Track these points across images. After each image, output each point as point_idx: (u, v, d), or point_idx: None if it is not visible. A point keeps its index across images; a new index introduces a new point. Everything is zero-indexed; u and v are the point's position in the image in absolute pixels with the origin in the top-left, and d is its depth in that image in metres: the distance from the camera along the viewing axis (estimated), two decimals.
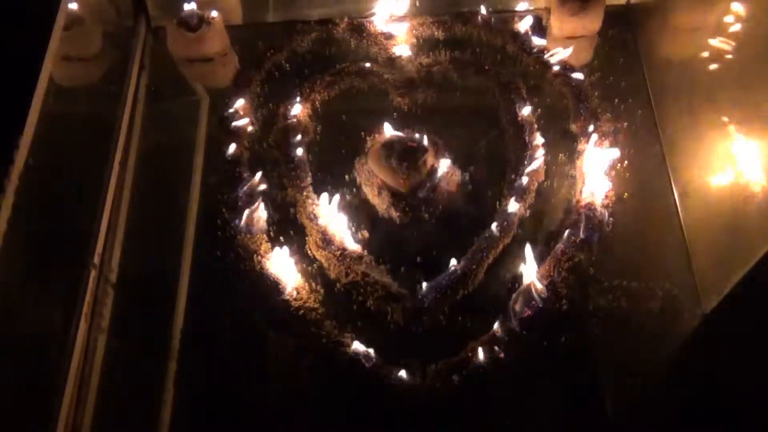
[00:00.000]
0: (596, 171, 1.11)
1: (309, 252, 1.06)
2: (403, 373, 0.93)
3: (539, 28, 1.31)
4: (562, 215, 1.09)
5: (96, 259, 1.03)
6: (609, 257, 1.04)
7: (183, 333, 1.01)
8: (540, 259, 1.02)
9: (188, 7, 1.27)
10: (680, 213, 1.10)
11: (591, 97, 1.20)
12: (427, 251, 1.05)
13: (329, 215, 1.08)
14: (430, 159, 1.11)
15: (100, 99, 1.23)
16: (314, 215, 1.08)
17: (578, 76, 1.23)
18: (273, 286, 1.00)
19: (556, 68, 1.24)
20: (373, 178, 1.11)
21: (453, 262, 1.02)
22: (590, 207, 1.07)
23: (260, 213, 1.08)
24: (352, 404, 0.94)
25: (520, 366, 0.95)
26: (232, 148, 1.15)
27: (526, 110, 1.18)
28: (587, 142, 1.14)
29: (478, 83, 1.25)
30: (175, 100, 1.30)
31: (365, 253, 1.04)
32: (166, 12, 1.35)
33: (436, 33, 1.32)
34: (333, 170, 1.15)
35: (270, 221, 1.08)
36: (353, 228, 1.07)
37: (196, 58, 1.29)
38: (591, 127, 1.16)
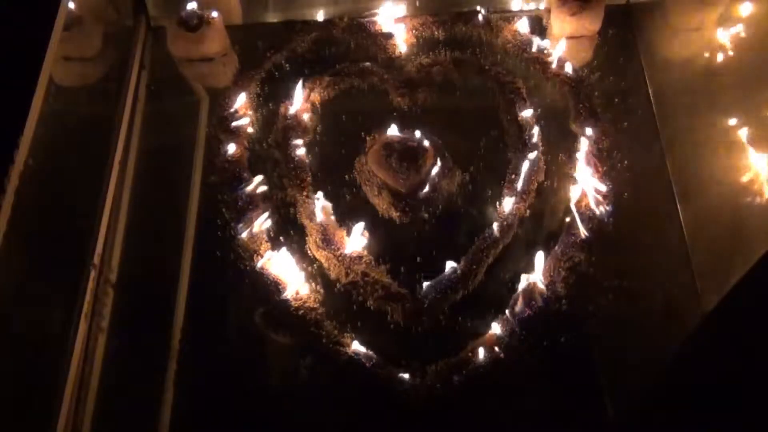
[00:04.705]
0: (596, 171, 1.11)
1: (309, 252, 1.06)
2: (403, 373, 0.93)
3: (539, 28, 1.32)
4: (562, 215, 1.09)
5: (96, 259, 1.03)
6: (609, 257, 1.04)
7: (183, 333, 1.01)
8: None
9: (188, 7, 1.27)
10: (680, 213, 1.09)
11: (591, 97, 1.20)
12: (427, 251, 1.05)
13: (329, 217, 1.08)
14: (430, 159, 1.11)
15: (100, 99, 1.23)
16: (314, 215, 1.08)
17: (578, 75, 1.23)
18: (273, 286, 1.00)
19: (555, 68, 1.24)
20: (373, 178, 1.11)
21: (453, 262, 1.02)
22: (590, 207, 1.07)
23: (262, 215, 1.08)
24: (352, 404, 0.94)
25: (521, 366, 0.95)
26: (232, 148, 1.16)
27: (526, 110, 1.18)
28: (587, 141, 1.14)
29: (478, 83, 1.25)
30: (175, 100, 1.30)
31: (365, 253, 1.04)
32: (166, 12, 1.35)
33: (436, 33, 1.32)
34: (333, 170, 1.15)
35: (270, 223, 1.08)
36: (353, 228, 1.07)
37: (196, 58, 1.29)
38: (591, 127, 1.16)
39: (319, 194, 1.10)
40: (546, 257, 1.02)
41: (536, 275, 1.00)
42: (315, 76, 1.25)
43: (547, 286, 0.99)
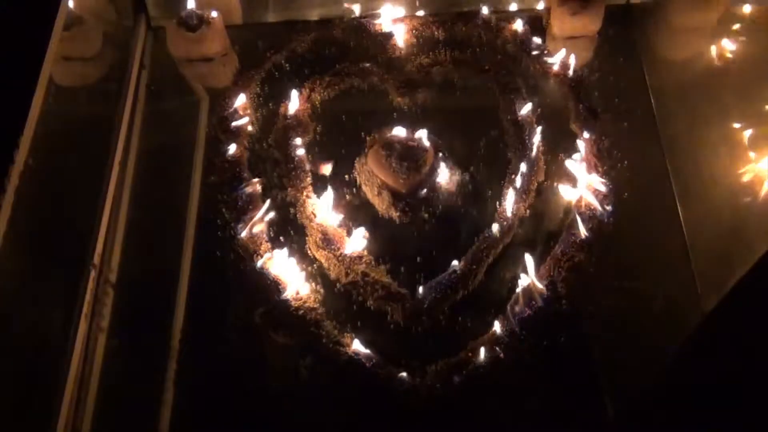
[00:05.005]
0: (596, 171, 1.11)
1: (309, 252, 1.06)
2: (403, 373, 0.93)
3: (539, 28, 1.32)
4: (561, 215, 1.09)
5: (96, 259, 1.03)
6: (609, 257, 1.04)
7: (183, 333, 1.01)
8: (540, 259, 1.02)
9: (188, 7, 1.27)
10: (680, 213, 1.09)
11: (591, 97, 1.20)
12: (427, 251, 1.05)
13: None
14: (430, 159, 1.11)
15: (100, 99, 1.23)
16: (314, 215, 1.08)
17: (578, 75, 1.23)
18: (273, 286, 1.00)
19: (555, 68, 1.24)
20: (373, 178, 1.11)
21: (454, 262, 1.02)
22: (590, 207, 1.07)
23: (262, 215, 1.08)
24: (352, 404, 0.94)
25: (520, 366, 0.95)
26: (232, 148, 1.16)
27: (526, 110, 1.18)
28: (587, 141, 1.14)
29: (478, 83, 1.25)
30: (175, 100, 1.30)
31: (365, 253, 1.04)
32: (166, 12, 1.35)
33: (436, 33, 1.32)
34: (333, 170, 1.14)
35: (270, 221, 1.08)
36: (353, 228, 1.07)
37: (196, 58, 1.29)
38: (591, 127, 1.16)
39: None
40: (540, 258, 1.02)
41: (529, 276, 1.00)
42: (315, 76, 1.26)
43: (547, 286, 0.99)
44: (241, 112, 1.20)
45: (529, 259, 1.01)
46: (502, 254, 1.05)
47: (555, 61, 1.25)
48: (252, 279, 1.02)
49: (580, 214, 1.06)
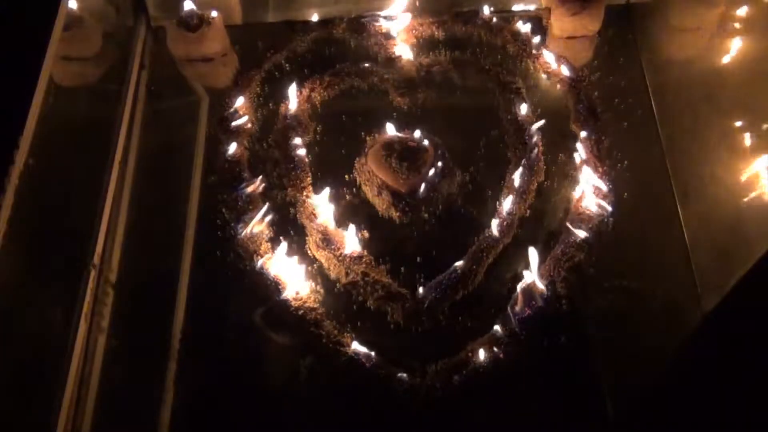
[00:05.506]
0: (596, 171, 1.11)
1: (309, 252, 1.06)
2: (403, 373, 0.93)
3: (539, 28, 1.32)
4: (562, 215, 1.09)
5: (96, 259, 1.03)
6: (609, 257, 1.04)
7: (183, 333, 1.01)
8: (540, 259, 1.02)
9: (188, 7, 1.28)
10: (680, 213, 1.09)
11: (591, 97, 1.20)
12: (427, 251, 1.05)
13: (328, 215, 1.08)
14: (430, 159, 1.11)
15: (100, 99, 1.23)
16: (314, 215, 1.08)
17: (578, 75, 1.23)
18: (273, 286, 1.00)
19: (555, 68, 1.24)
20: (373, 178, 1.11)
21: (460, 262, 1.02)
22: (590, 207, 1.07)
23: (262, 215, 1.08)
24: (352, 404, 0.94)
25: (520, 366, 0.95)
26: (232, 148, 1.16)
27: (526, 110, 1.18)
28: (587, 141, 1.14)
29: (478, 83, 1.25)
30: (175, 100, 1.30)
31: (365, 253, 1.04)
32: (166, 12, 1.35)
33: (436, 33, 1.32)
34: (333, 170, 1.15)
35: (270, 221, 1.08)
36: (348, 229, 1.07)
37: (196, 58, 1.30)
38: (591, 127, 1.16)
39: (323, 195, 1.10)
40: (542, 255, 1.02)
41: (532, 271, 1.00)
42: (315, 76, 1.26)
43: (547, 286, 0.99)
44: (241, 112, 1.20)
45: (532, 257, 1.01)
46: (502, 254, 1.05)
47: (555, 61, 1.25)
48: (252, 279, 1.02)
49: (580, 214, 1.06)
